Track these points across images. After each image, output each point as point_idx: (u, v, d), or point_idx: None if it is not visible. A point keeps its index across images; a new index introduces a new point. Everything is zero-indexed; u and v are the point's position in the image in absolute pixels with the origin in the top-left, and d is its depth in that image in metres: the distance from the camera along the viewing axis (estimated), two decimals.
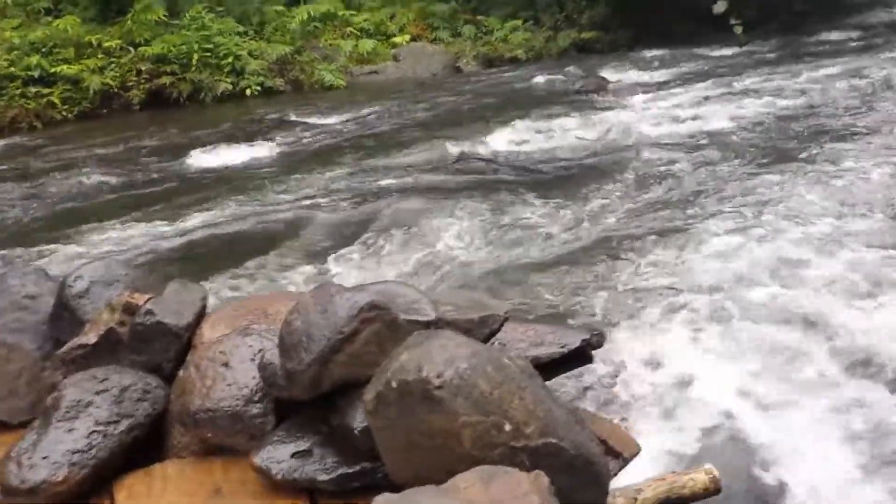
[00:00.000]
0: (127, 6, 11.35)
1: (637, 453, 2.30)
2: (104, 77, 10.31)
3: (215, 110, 10.21)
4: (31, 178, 6.97)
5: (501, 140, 7.27)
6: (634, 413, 2.87)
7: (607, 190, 5.64)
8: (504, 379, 1.71)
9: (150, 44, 10.89)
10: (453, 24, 13.70)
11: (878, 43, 11.78)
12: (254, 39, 12.00)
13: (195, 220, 5.45)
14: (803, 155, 6.04)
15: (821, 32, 13.46)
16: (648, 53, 12.37)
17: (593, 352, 3.15)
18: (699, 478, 2.01)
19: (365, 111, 9.22)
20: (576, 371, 2.95)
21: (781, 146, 6.46)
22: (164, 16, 11.29)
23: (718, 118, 7.55)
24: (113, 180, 6.79)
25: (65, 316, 2.46)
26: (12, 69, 10.00)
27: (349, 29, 13.14)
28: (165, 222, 5.42)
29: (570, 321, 3.52)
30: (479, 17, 13.78)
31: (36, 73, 10.01)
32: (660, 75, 10.68)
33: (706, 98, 8.68)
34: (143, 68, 10.66)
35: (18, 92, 9.84)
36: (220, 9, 12.17)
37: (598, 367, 3.04)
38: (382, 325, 1.89)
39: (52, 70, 10.09)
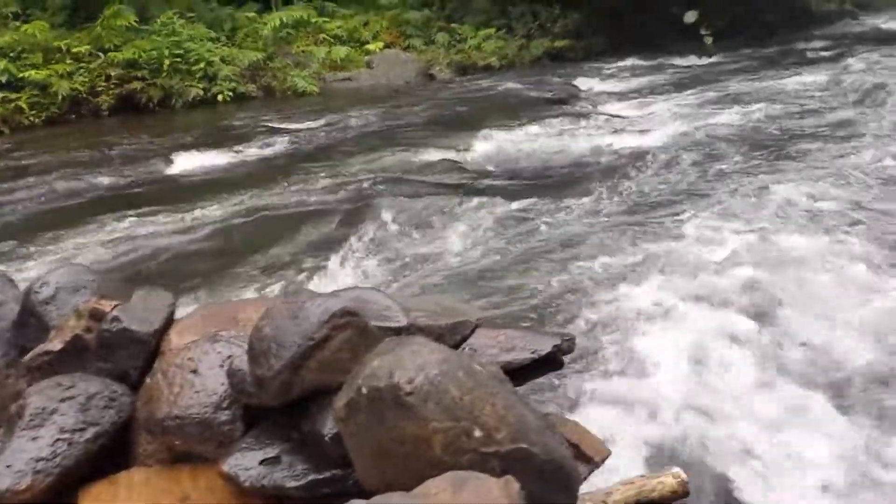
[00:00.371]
0: (97, 12, 11.23)
1: (607, 457, 2.31)
2: (73, 82, 10.18)
3: (186, 116, 10.13)
4: None
5: (475, 147, 7.29)
6: (605, 417, 2.88)
7: (578, 197, 5.67)
8: (475, 385, 1.71)
9: (120, 49, 10.77)
10: (427, 31, 13.73)
11: (844, 53, 12.00)
12: (226, 45, 11.93)
13: (164, 226, 5.40)
14: (769, 161, 6.16)
15: (789, 42, 13.69)
16: (620, 62, 12.49)
17: (564, 357, 3.17)
18: (667, 481, 2.03)
19: (338, 118, 9.19)
20: (548, 375, 2.97)
21: (749, 153, 6.56)
22: (135, 21, 11.18)
23: (688, 126, 7.65)
24: (81, 186, 6.70)
25: (30, 322, 2.43)
26: None
27: (322, 36, 13.11)
28: (134, 228, 5.36)
29: (542, 326, 3.53)
30: (452, 25, 13.82)
31: (3, 78, 9.86)
32: (631, 84, 10.79)
33: (677, 106, 8.79)
34: (112, 74, 10.55)
35: None
36: (192, 14, 12.07)
37: (570, 371, 3.05)
38: (354, 331, 1.89)
39: (20, 75, 9.95)
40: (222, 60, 11.30)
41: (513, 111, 9.01)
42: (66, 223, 5.53)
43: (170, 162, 7.29)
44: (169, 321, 2.39)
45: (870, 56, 11.52)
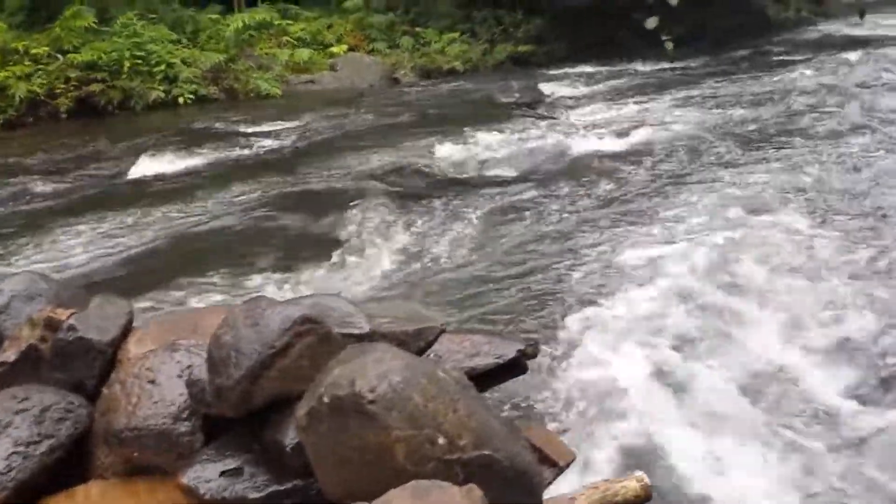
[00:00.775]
0: (56, 12, 11.02)
1: (572, 461, 2.31)
2: (31, 84, 9.98)
3: (147, 118, 9.98)
4: None
5: (441, 151, 7.28)
6: (570, 421, 2.89)
7: (542, 201, 5.70)
8: (438, 391, 1.70)
9: (80, 51, 10.59)
10: (391, 35, 13.71)
11: (801, 59, 12.25)
12: (187, 47, 11.78)
13: (123, 231, 5.31)
14: (725, 165, 6.28)
15: (748, 48, 13.93)
16: (583, 67, 12.59)
17: (529, 361, 3.17)
18: (631, 485, 2.04)
19: (301, 120, 9.13)
20: (512, 380, 2.98)
21: (708, 155, 6.66)
22: (94, 23, 11.00)
23: (648, 131, 7.74)
24: (37, 189, 6.57)
25: None
26: None
27: (285, 38, 13.02)
28: (91, 234, 5.27)
29: (507, 331, 3.54)
30: (416, 29, 13.81)
31: None
32: (594, 88, 10.88)
33: (639, 111, 8.88)
34: (71, 76, 10.37)
35: None
36: (153, 16, 11.92)
37: (535, 375, 3.06)
38: (315, 338, 1.87)
39: None
40: (184, 62, 11.17)
41: (478, 116, 9.02)
42: (19, 229, 5.42)
43: (128, 165, 7.18)
44: (127, 330, 2.34)
45: (825, 61, 11.84)
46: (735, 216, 4.97)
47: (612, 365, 3.24)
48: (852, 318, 3.53)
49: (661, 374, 3.15)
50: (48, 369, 2.21)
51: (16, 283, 2.48)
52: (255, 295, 3.90)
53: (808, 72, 10.89)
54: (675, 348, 3.35)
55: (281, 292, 3.91)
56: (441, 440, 1.63)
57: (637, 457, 2.61)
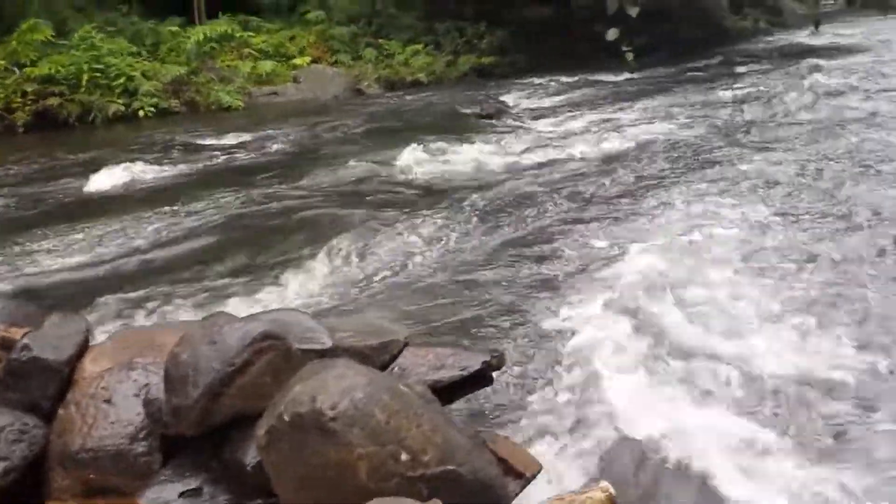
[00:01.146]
0: (12, 26, 10.84)
1: (538, 472, 2.31)
2: None
3: (107, 132, 9.84)
4: None
5: (403, 162, 7.27)
6: (536, 431, 2.88)
7: (506, 211, 5.71)
8: (401, 407, 1.69)
9: (37, 64, 10.43)
10: (354, 46, 13.70)
11: (758, 68, 12.50)
12: (147, 60, 11.66)
13: (80, 246, 5.20)
14: (685, 174, 6.35)
15: (706, 58, 14.17)
16: (546, 78, 12.68)
17: (494, 373, 3.16)
18: (596, 496, 2.04)
19: (263, 132, 9.06)
20: (478, 391, 2.96)
21: (667, 164, 6.75)
22: (52, 36, 10.84)
23: (610, 141, 7.81)
24: None
25: None
26: None
27: (247, 50, 12.94)
28: (47, 249, 5.15)
29: (471, 342, 3.52)
30: (379, 41, 13.82)
31: None
32: (557, 99, 10.96)
33: (601, 121, 8.97)
34: (28, 90, 10.20)
35: None
36: (112, 29, 11.78)
37: (500, 386, 3.05)
38: (276, 355, 1.85)
39: None
40: (144, 75, 11.05)
41: (443, 126, 9.03)
42: None
43: (85, 180, 7.03)
44: (83, 348, 2.30)
45: (782, 69, 12.14)
46: (698, 221, 5.04)
47: (580, 374, 3.23)
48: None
49: (629, 383, 3.15)
50: (2, 390, 2.16)
51: None
52: (214, 311, 3.87)
53: (764, 80, 11.15)
54: (646, 356, 3.36)
55: (241, 307, 3.84)
56: (404, 456, 1.61)
57: (602, 467, 2.61)
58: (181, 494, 1.80)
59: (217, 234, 5.39)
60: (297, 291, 4.29)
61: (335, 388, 1.63)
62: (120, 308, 3.98)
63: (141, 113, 10.59)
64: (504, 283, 4.30)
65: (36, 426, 2.08)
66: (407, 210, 5.76)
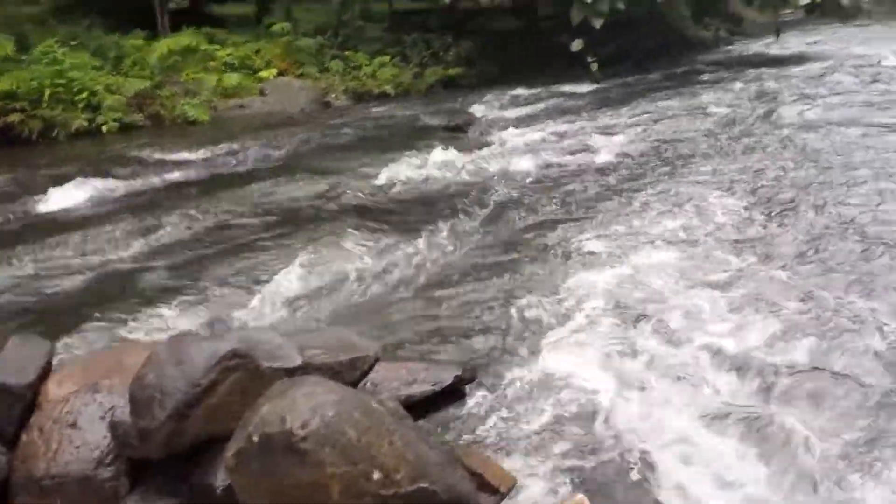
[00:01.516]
0: None
1: (513, 486, 2.30)
2: None
3: (70, 147, 9.67)
4: None
5: (370, 174, 7.24)
6: (511, 445, 2.86)
7: (476, 222, 5.73)
8: (373, 424, 1.67)
9: None
10: (320, 59, 13.64)
11: (716, 78, 12.75)
12: (111, 74, 11.49)
13: (41, 266, 5.09)
14: (648, 183, 6.44)
15: (669, 68, 14.38)
16: (512, 89, 12.75)
17: (467, 386, 3.15)
18: None
19: (229, 146, 8.97)
20: (451, 405, 2.95)
21: (631, 176, 6.82)
22: (13, 51, 10.66)
23: (576, 152, 7.88)
24: None
25: None
26: None
27: (212, 63, 12.82)
28: (8, 270, 5.03)
29: (443, 356, 3.50)
30: (346, 53, 13.77)
31: None
32: (524, 110, 11.01)
33: (565, 132, 9.04)
34: None
35: None
36: (75, 43, 11.59)
37: (474, 400, 3.04)
38: (244, 374, 1.82)
39: None
40: (107, 89, 10.88)
41: (410, 138, 9.02)
42: None
43: (45, 196, 6.90)
44: (46, 371, 2.25)
45: (743, 77, 12.41)
46: (664, 231, 5.11)
47: (552, 389, 3.24)
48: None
49: (601, 398, 3.16)
50: None
51: None
52: (180, 330, 3.80)
53: (723, 89, 11.37)
54: (618, 370, 3.38)
55: (206, 327, 3.78)
56: (377, 475, 1.60)
57: (578, 481, 2.61)
58: None
59: (181, 251, 5.31)
60: (266, 308, 4.24)
61: (305, 407, 1.61)
62: (84, 329, 3.89)
63: (105, 128, 10.42)
64: (472, 296, 4.30)
65: None
66: (375, 223, 5.74)
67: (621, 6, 12.43)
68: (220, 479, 1.73)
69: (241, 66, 13.04)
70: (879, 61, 12.79)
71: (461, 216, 5.89)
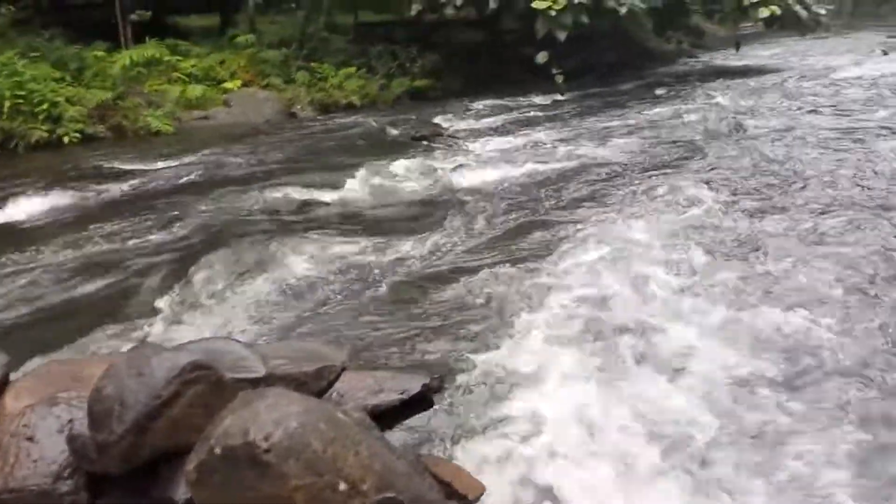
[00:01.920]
0: None
1: (482, 494, 2.29)
2: None
3: (29, 160, 9.49)
4: None
5: (340, 185, 7.22)
6: (479, 453, 2.85)
7: (441, 231, 5.73)
8: (338, 435, 1.65)
9: None
10: (286, 70, 13.57)
11: (677, 90, 13.02)
12: (72, 85, 11.32)
13: None
14: (613, 192, 6.52)
15: (633, 80, 14.63)
16: (478, 101, 12.83)
17: (435, 395, 3.13)
18: None
19: (193, 157, 8.88)
20: (419, 414, 2.93)
21: (595, 184, 6.91)
22: None
23: (541, 161, 7.94)
24: None
25: None
26: None
27: (176, 74, 12.70)
28: None
29: (411, 364, 3.49)
30: (312, 64, 13.73)
31: None
32: (489, 122, 11.08)
33: (530, 143, 9.12)
34: None
35: None
36: (35, 54, 11.41)
37: (442, 408, 3.02)
38: (206, 386, 1.78)
39: None
40: (68, 101, 10.72)
41: (377, 149, 9.02)
42: None
43: (3, 209, 6.77)
44: (2, 384, 2.19)
45: (704, 88, 12.73)
46: (629, 241, 5.16)
47: (521, 397, 3.23)
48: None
49: (571, 405, 3.16)
50: None
51: None
52: (144, 340, 3.74)
53: (686, 99, 11.60)
54: (586, 378, 3.38)
55: (167, 338, 3.72)
56: (343, 486, 1.57)
57: (547, 488, 2.61)
58: None
59: (139, 262, 5.23)
60: (230, 319, 4.19)
61: (268, 419, 1.58)
62: (40, 341, 3.80)
63: (66, 139, 10.26)
64: (436, 304, 4.29)
65: None
66: (339, 232, 5.72)
67: (585, 20, 12.57)
68: (181, 493, 1.69)
69: (205, 77, 12.93)
70: (834, 72, 13.24)
71: (426, 225, 5.89)
